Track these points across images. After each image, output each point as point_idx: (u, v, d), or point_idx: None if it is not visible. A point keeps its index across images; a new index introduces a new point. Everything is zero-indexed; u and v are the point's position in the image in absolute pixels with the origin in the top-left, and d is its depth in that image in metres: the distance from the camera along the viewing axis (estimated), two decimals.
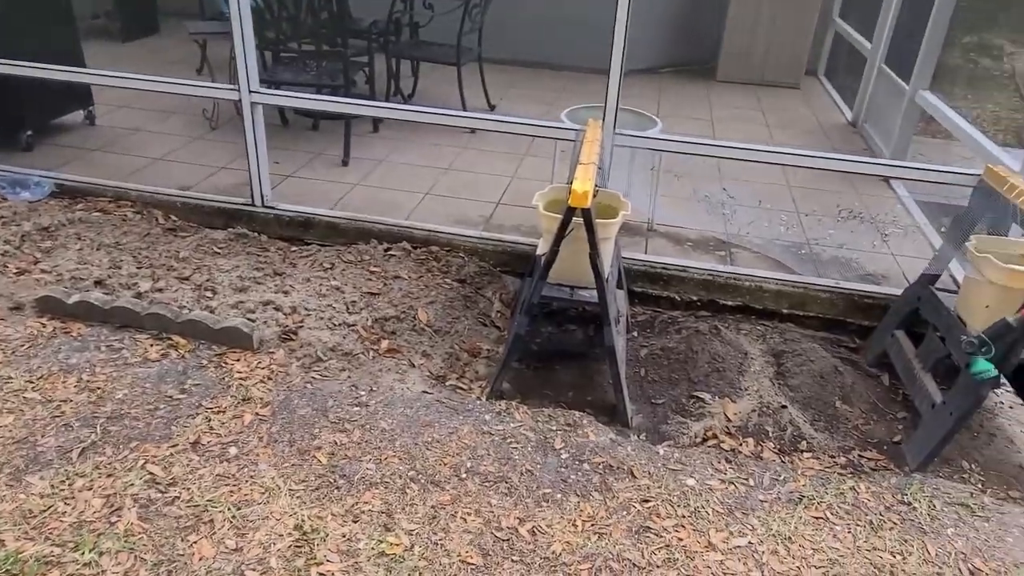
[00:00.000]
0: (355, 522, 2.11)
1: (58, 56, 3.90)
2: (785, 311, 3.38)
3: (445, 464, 2.36)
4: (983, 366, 2.39)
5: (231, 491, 2.18)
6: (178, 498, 2.14)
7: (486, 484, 2.30)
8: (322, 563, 1.97)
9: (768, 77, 6.61)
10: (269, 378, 2.68)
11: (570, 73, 6.42)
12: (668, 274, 3.43)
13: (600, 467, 2.40)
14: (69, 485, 2.15)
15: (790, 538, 2.18)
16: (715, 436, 2.68)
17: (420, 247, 3.55)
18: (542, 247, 2.85)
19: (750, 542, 2.16)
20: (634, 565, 2.05)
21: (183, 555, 1.97)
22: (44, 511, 2.06)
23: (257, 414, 2.50)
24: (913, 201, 4.29)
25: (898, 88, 4.74)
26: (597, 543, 2.12)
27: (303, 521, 2.10)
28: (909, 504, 2.34)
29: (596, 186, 2.54)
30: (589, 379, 3.00)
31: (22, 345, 2.75)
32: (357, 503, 2.18)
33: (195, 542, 2.01)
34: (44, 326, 2.86)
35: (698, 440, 2.68)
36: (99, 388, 2.56)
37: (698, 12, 6.91)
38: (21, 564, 1.90)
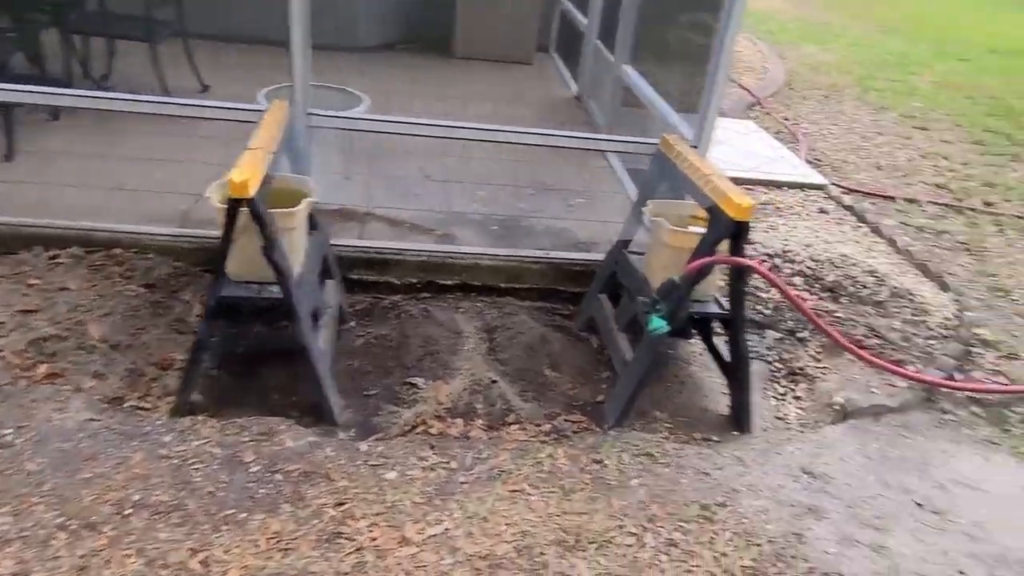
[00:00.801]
0: None
1: None
2: (503, 285, 3.43)
3: (106, 502, 2.06)
4: (656, 323, 2.56)
5: None
6: None
7: (155, 517, 2.03)
8: None
9: (503, 53, 6.73)
10: None
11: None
12: (384, 259, 3.32)
13: (295, 475, 2.24)
14: None
15: (486, 518, 2.17)
16: (424, 422, 2.63)
17: (98, 252, 3.11)
18: None
19: (446, 528, 2.12)
20: None
21: None
22: None
23: None
24: (624, 170, 4.57)
25: (608, 63, 5.01)
26: (282, 561, 1.96)
27: None
28: (601, 462, 2.45)
29: (271, 173, 2.34)
30: (298, 379, 2.81)
31: None
32: None
33: None
34: None
35: (407, 428, 2.61)
36: None
37: None
38: None
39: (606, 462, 2.45)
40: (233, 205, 2.23)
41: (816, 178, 5.14)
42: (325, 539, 2.03)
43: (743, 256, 2.57)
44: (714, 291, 2.91)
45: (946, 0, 15.80)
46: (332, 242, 3.12)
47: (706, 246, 2.55)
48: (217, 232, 2.33)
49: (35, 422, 2.30)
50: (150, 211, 3.46)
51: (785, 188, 5.00)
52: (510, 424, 2.69)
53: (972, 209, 5.01)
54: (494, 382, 2.84)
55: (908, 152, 6.11)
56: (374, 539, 2.05)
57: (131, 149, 4.06)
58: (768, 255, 3.99)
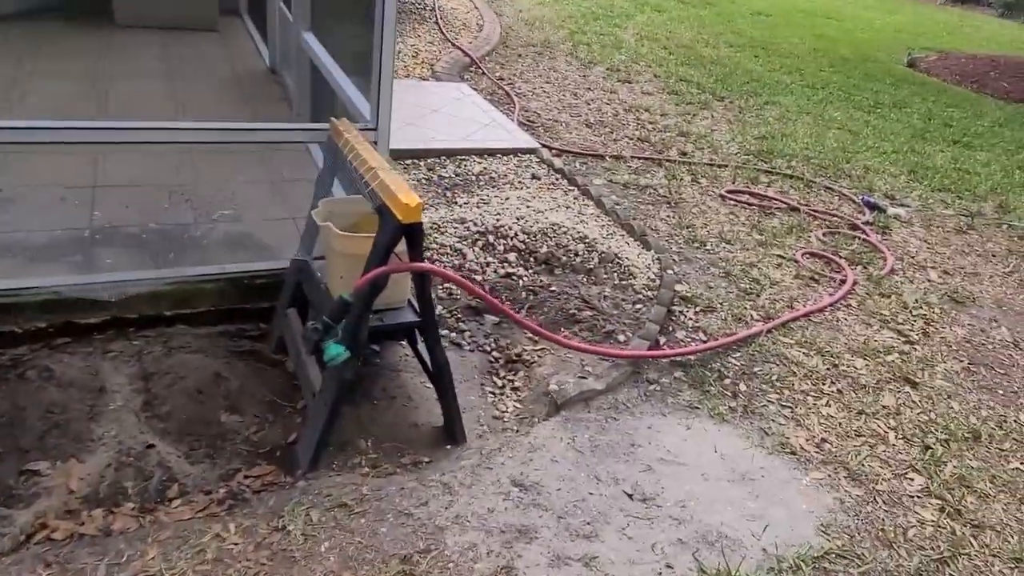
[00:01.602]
0: None
1: None
2: (168, 313, 2.83)
3: None
4: (334, 351, 2.18)
5: None
6: None
7: None
8: None
9: (178, 18, 5.79)
10: None
11: None
12: None
13: None
14: None
15: None
16: (45, 525, 2.03)
17: None
18: None
19: None
20: None
21: None
22: None
23: None
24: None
25: (292, 29, 4.43)
26: None
27: None
28: (284, 529, 2.05)
29: None
30: None
31: None
32: None
33: None
34: None
35: (21, 540, 2.00)
36: None
37: None
38: None
39: (290, 527, 2.05)
40: None
41: (528, 142, 5.06)
42: None
43: (421, 259, 2.26)
44: (408, 294, 2.60)
45: None
46: None
47: (378, 253, 2.20)
48: None
49: None
50: None
51: (499, 155, 4.86)
52: (171, 500, 2.18)
53: (670, 160, 5.26)
54: (150, 447, 2.30)
55: (614, 107, 6.31)
56: None
57: None
58: (481, 233, 3.79)
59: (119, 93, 4.39)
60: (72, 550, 1.91)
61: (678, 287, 3.59)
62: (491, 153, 4.85)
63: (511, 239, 3.79)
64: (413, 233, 2.20)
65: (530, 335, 3.25)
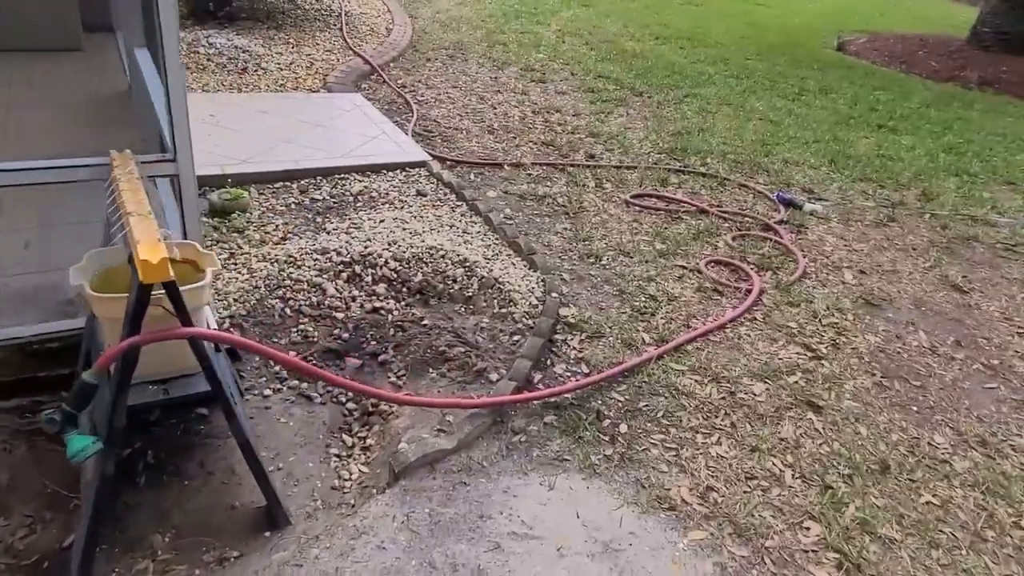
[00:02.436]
0: None
1: None
2: None
3: None
4: (79, 444, 1.76)
5: None
6: None
7: None
8: None
9: (40, 41, 5.29)
10: None
11: None
12: None
13: None
14: None
15: None
16: None
17: None
18: None
19: None
20: None
21: None
22: None
23: None
24: (173, 197, 3.64)
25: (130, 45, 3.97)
26: None
27: None
28: None
29: None
30: None
31: None
32: None
33: None
34: None
35: None
36: None
37: None
38: None
39: None
40: None
41: (419, 155, 4.66)
42: None
43: (188, 322, 1.85)
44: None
45: None
46: None
47: (128, 319, 1.79)
48: None
49: None
50: None
51: (384, 172, 4.45)
52: None
53: (575, 165, 4.91)
54: None
55: (523, 109, 5.94)
56: None
57: None
58: (346, 263, 3.38)
59: None
60: None
61: (563, 311, 3.23)
62: (375, 170, 4.44)
63: (381, 268, 3.39)
64: (170, 293, 1.79)
65: (395, 379, 2.87)
